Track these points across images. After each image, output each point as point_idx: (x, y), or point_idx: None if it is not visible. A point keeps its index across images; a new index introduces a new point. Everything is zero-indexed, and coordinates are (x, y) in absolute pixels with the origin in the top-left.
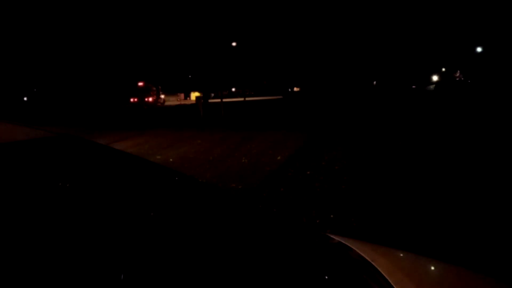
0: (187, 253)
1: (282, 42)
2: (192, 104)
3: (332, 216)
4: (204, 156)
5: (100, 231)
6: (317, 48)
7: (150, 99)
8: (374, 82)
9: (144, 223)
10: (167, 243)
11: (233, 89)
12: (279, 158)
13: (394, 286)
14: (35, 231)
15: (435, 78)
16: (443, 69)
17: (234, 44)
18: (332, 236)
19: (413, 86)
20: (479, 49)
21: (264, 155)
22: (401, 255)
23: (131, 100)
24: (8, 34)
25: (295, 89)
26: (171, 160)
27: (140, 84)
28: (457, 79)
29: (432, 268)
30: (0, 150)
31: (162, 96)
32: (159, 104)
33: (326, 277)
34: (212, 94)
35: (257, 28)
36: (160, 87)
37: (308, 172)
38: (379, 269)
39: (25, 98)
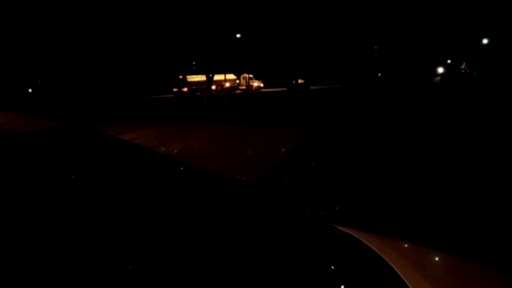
0: (192, 245)
1: (286, 34)
2: (193, 97)
3: (336, 208)
4: (208, 148)
5: (107, 220)
6: (322, 39)
7: (185, 89)
8: (379, 74)
9: (150, 214)
10: (173, 233)
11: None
12: (283, 150)
13: (402, 277)
14: (45, 218)
15: (440, 70)
16: (449, 61)
17: (238, 35)
18: (338, 227)
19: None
20: (485, 41)
21: (268, 147)
22: (409, 246)
23: (174, 89)
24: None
25: (300, 81)
26: (175, 151)
27: (180, 77)
28: (463, 71)
29: (440, 259)
30: (8, 141)
31: (255, 84)
32: (253, 90)
33: (334, 267)
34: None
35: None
36: (245, 73)
37: (313, 164)
38: (387, 260)
39: (30, 90)
